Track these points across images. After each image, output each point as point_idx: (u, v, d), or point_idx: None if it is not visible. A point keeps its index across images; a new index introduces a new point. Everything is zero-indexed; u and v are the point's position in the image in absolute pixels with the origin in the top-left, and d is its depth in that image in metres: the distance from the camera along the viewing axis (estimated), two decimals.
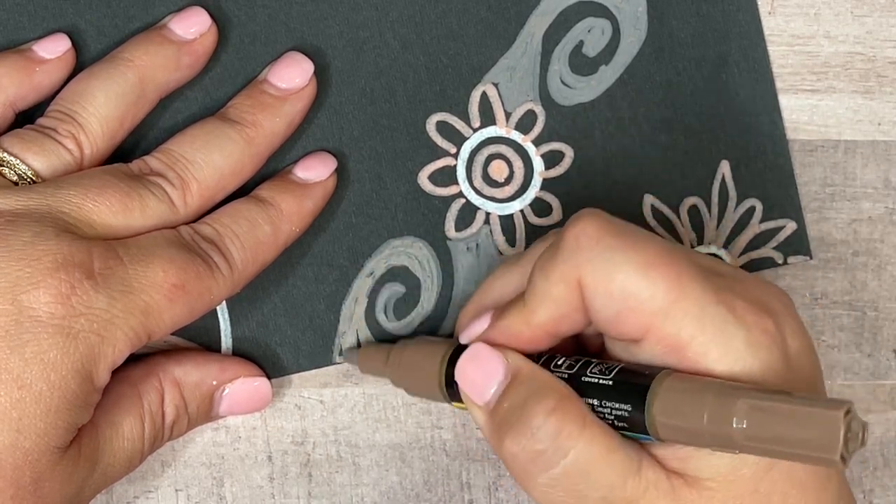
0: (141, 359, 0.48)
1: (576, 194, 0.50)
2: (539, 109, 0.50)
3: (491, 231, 0.50)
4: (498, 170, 0.50)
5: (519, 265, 0.46)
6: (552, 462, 0.40)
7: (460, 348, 0.45)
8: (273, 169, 0.49)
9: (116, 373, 0.44)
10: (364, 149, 0.50)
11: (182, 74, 0.47)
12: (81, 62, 0.48)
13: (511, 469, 0.42)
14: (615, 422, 0.41)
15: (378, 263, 0.50)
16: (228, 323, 0.50)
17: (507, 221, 0.50)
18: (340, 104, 0.49)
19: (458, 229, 0.50)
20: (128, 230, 0.44)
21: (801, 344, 0.41)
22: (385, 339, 0.50)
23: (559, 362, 0.43)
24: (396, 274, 0.50)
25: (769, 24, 0.51)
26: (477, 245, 0.50)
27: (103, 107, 0.46)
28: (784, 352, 0.40)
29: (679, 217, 0.51)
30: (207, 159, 0.46)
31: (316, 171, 0.48)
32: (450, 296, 0.50)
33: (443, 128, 0.50)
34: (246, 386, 0.49)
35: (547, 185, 0.51)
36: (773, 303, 0.41)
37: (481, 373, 0.43)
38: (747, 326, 0.40)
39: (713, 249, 0.51)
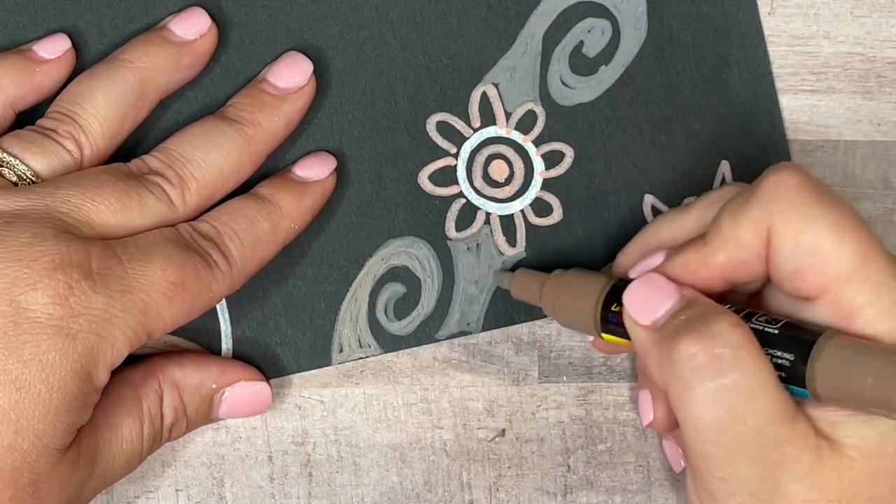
0: (141, 360, 0.48)
1: (576, 194, 0.50)
2: (539, 109, 0.50)
3: (491, 231, 0.50)
4: (498, 170, 0.50)
5: (690, 212, 0.46)
6: (727, 371, 0.40)
7: (621, 285, 0.44)
8: (272, 169, 0.49)
9: (116, 374, 0.44)
10: (364, 149, 0.50)
11: (182, 75, 0.47)
12: (82, 63, 0.48)
13: (677, 374, 0.41)
14: (775, 369, 0.41)
15: (378, 263, 0.50)
16: (228, 323, 0.50)
17: (507, 221, 0.50)
18: (340, 104, 0.49)
19: (458, 229, 0.50)
20: (127, 229, 0.44)
21: None
22: (385, 341, 0.50)
23: (728, 307, 0.42)
24: (397, 274, 0.50)
25: (769, 25, 0.50)
26: (477, 245, 0.50)
27: (103, 108, 0.46)
28: None
29: None
30: (206, 158, 0.46)
31: (315, 170, 0.48)
32: (450, 296, 0.50)
33: (443, 128, 0.50)
34: (246, 389, 0.49)
35: (547, 185, 0.50)
36: None
37: (654, 294, 0.43)
38: None
39: None
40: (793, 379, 0.40)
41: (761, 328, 0.41)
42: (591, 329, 0.45)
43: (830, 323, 0.41)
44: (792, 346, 0.40)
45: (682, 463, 0.49)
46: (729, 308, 0.42)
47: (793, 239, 0.41)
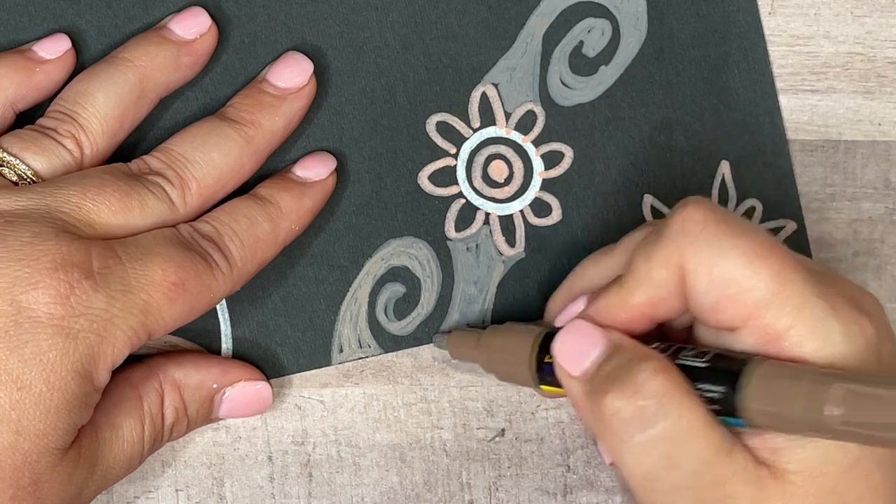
0: (141, 360, 0.48)
1: (575, 195, 0.50)
2: (539, 110, 0.50)
3: (491, 231, 0.50)
4: (498, 170, 0.50)
5: (613, 254, 0.46)
6: (653, 421, 0.40)
7: (552, 333, 0.44)
8: (272, 169, 0.49)
9: (116, 374, 0.44)
10: (364, 149, 0.50)
11: (182, 75, 0.47)
12: (82, 62, 0.48)
13: (606, 429, 0.41)
14: (708, 405, 0.40)
15: (378, 263, 0.50)
16: (228, 323, 0.50)
17: (506, 222, 0.50)
18: (340, 104, 0.49)
19: (458, 229, 0.50)
20: (127, 229, 0.44)
21: (894, 348, 0.41)
22: (385, 341, 0.50)
23: (653, 347, 0.43)
24: (397, 274, 0.50)
25: (769, 24, 0.50)
26: (477, 245, 0.50)
27: (103, 106, 0.46)
28: (878, 352, 0.40)
29: None
30: (206, 158, 0.46)
31: (315, 170, 0.48)
32: (450, 296, 0.50)
33: (443, 128, 0.50)
34: (247, 390, 0.49)
35: (547, 185, 0.50)
36: (869, 304, 0.41)
37: (580, 343, 0.43)
38: (845, 322, 0.40)
39: None
40: (727, 410, 0.40)
41: (690, 363, 0.41)
42: (529, 383, 0.46)
43: (757, 349, 0.41)
44: (722, 377, 0.40)
45: None
46: (658, 346, 0.42)
47: (706, 273, 0.41)
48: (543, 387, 0.45)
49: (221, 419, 0.49)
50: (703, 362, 0.41)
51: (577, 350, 0.43)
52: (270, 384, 0.49)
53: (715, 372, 0.40)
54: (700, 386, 0.40)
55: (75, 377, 0.41)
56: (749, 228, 0.41)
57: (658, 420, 0.40)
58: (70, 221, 0.43)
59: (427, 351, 0.50)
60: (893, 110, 0.51)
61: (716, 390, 0.40)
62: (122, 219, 0.44)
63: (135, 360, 0.47)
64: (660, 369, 0.40)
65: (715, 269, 0.40)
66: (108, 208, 0.44)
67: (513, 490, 0.51)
